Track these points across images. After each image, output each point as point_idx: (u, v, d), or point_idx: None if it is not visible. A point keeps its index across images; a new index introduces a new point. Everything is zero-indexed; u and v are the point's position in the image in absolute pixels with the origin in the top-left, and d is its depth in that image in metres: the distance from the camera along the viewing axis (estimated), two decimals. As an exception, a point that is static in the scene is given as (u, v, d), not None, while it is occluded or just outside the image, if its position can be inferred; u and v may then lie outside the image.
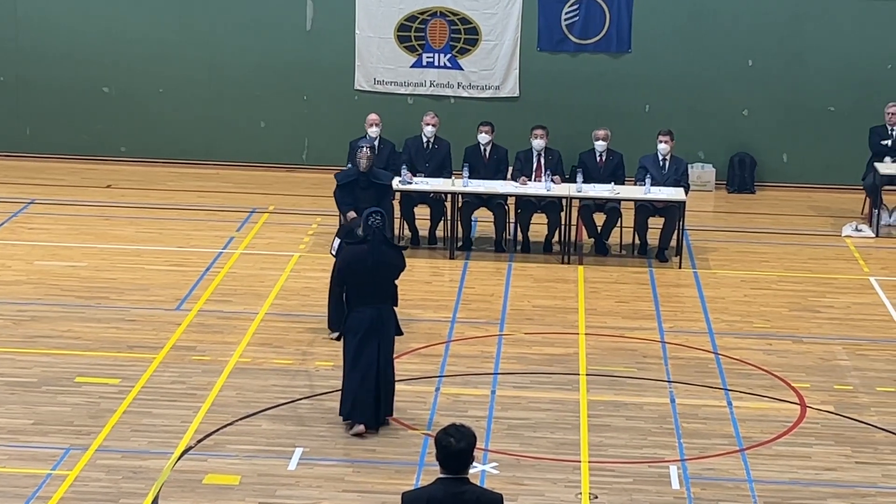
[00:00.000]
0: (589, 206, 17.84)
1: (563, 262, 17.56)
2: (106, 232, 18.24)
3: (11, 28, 21.55)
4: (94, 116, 21.76)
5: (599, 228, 17.90)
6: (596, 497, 11.34)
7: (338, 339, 13.82)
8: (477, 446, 7.76)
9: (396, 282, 12.51)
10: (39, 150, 21.81)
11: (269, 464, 11.72)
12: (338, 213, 17.31)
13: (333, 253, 14.16)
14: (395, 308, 12.48)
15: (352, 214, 14.66)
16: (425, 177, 17.93)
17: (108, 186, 20.53)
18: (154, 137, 21.78)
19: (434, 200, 17.97)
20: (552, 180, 17.68)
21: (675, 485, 11.60)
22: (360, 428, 12.26)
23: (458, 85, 21.45)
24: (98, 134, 21.80)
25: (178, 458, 11.77)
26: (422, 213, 17.99)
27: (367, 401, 12.24)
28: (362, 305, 12.25)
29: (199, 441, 12.12)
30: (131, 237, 18.06)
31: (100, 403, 12.80)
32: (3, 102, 21.79)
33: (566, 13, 21.22)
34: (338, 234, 14.52)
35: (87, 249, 17.43)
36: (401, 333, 12.60)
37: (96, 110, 21.74)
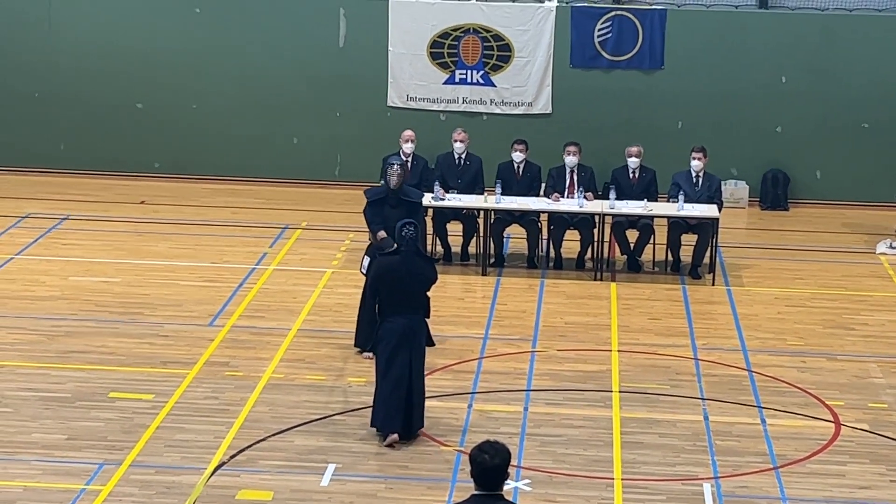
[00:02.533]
0: (622, 223, 17.81)
1: (595, 279, 17.53)
2: (140, 248, 18.30)
3: (46, 45, 21.67)
4: (127, 132, 21.85)
5: (632, 245, 17.86)
6: (629, 514, 11.31)
7: (370, 355, 13.90)
8: (510, 463, 7.74)
9: (429, 293, 12.53)
10: (73, 165, 21.90)
11: (302, 479, 11.72)
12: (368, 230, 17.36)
13: (363, 271, 14.19)
14: (427, 319, 12.50)
15: (382, 234, 14.63)
16: (457, 193, 17.94)
17: (142, 202, 20.60)
18: (187, 153, 21.87)
19: (466, 217, 17.97)
20: (585, 197, 17.66)
21: (709, 503, 11.55)
22: (394, 437, 12.27)
23: (491, 101, 21.47)
24: (132, 150, 21.89)
25: (212, 474, 11.79)
26: (454, 229, 18.00)
27: (399, 410, 12.26)
28: (394, 316, 12.30)
29: (233, 456, 12.13)
30: (165, 253, 18.12)
31: (133, 419, 12.84)
32: (38, 118, 21.90)
33: (599, 30, 21.22)
34: (367, 253, 14.55)
35: (120, 265, 17.49)
36: (432, 344, 12.65)
37: (130, 126, 21.83)
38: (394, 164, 14.97)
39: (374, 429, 12.48)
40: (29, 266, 17.38)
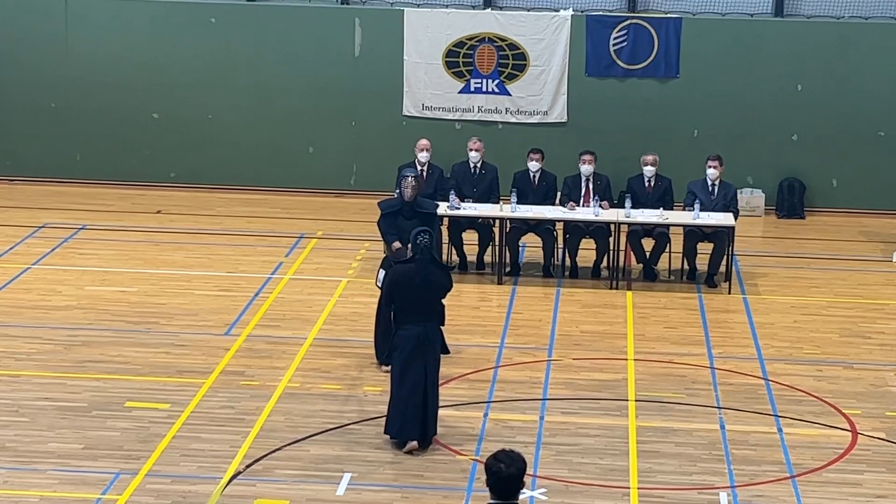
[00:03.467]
0: (637, 232, 17.79)
1: (611, 288, 17.52)
2: (156, 257, 18.33)
3: (62, 57, 21.73)
4: (143, 143, 21.91)
5: (648, 254, 17.85)
6: (645, 524, 11.29)
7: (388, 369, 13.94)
8: (526, 472, 7.73)
9: (444, 301, 12.55)
10: (90, 176, 21.96)
11: (318, 489, 11.72)
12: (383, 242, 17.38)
13: (379, 284, 14.20)
14: (441, 327, 12.52)
15: (397, 245, 14.64)
16: (473, 202, 17.94)
17: (158, 212, 20.64)
18: (203, 163, 21.91)
19: (482, 226, 17.97)
20: (600, 206, 17.66)
21: (725, 512, 11.54)
22: (413, 444, 12.28)
23: (506, 110, 21.47)
24: (148, 160, 21.94)
25: (227, 483, 11.79)
26: (470, 238, 18.00)
27: (416, 417, 12.28)
28: (409, 323, 12.32)
29: (248, 466, 12.14)
30: (181, 262, 18.15)
31: (149, 428, 12.85)
32: (54, 129, 21.96)
33: (614, 38, 21.22)
34: (382, 266, 14.55)
35: (136, 275, 17.53)
36: (447, 352, 12.67)
37: (146, 137, 21.89)
38: (407, 175, 14.94)
39: (389, 437, 12.48)
40: (45, 276, 17.42)
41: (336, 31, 21.51)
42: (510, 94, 21.43)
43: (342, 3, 21.67)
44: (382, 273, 14.23)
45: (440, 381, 12.70)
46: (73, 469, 12.00)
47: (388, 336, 13.15)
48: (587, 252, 17.91)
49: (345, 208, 21.03)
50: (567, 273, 17.90)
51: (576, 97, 21.36)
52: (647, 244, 17.85)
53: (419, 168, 18.13)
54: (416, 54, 21.43)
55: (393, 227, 14.85)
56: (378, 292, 14.09)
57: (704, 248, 17.71)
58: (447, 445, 12.58)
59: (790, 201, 21.24)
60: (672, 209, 17.96)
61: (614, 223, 17.58)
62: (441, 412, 13.19)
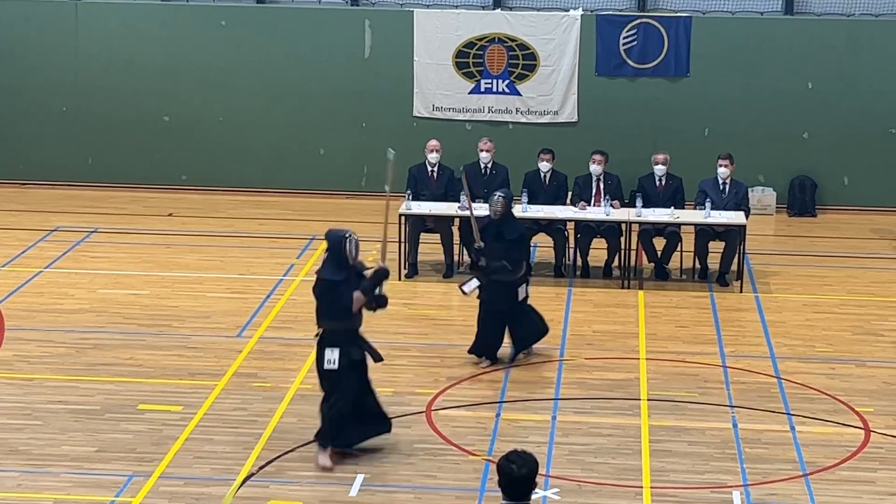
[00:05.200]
0: (648, 231, 17.79)
1: (623, 287, 17.51)
2: (167, 260, 18.36)
3: (72, 60, 21.77)
4: (154, 145, 21.95)
5: (659, 253, 17.84)
6: (658, 523, 11.29)
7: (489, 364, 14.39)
8: (539, 472, 7.73)
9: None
10: (101, 179, 22.01)
11: (331, 490, 11.73)
12: (397, 242, 17.44)
13: (466, 290, 14.61)
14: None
15: (479, 243, 14.74)
16: (484, 202, 17.91)
17: (170, 214, 20.67)
18: (214, 166, 21.94)
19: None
20: (611, 205, 17.65)
21: (739, 510, 11.53)
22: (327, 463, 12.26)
23: (517, 111, 21.48)
24: (159, 162, 21.98)
25: (241, 485, 11.80)
26: (481, 238, 17.99)
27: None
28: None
29: (261, 468, 12.15)
30: (193, 265, 18.17)
31: (162, 430, 12.87)
32: (66, 133, 22.01)
33: (624, 38, 21.21)
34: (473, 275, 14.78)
35: (148, 277, 17.55)
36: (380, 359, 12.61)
37: (157, 139, 21.93)
38: (495, 194, 14.94)
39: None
40: (57, 279, 17.45)
41: (346, 33, 21.53)
42: (520, 95, 21.43)
43: (352, 5, 21.70)
44: (475, 283, 14.59)
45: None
46: (86, 472, 12.02)
47: (487, 333, 14.13)
48: (598, 252, 17.91)
49: (356, 210, 21.03)
50: (578, 273, 17.89)
51: (586, 97, 21.35)
52: (659, 243, 17.84)
53: (429, 169, 18.16)
54: (427, 55, 21.44)
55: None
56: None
57: (716, 247, 17.70)
58: (460, 446, 12.59)
59: (801, 199, 21.22)
60: (683, 208, 17.95)
61: (625, 222, 17.58)
62: (454, 412, 13.25)
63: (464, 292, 14.85)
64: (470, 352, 14.66)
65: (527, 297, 14.73)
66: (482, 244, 14.68)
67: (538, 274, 17.86)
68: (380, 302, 12.39)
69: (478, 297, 14.67)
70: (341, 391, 12.20)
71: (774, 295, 17.27)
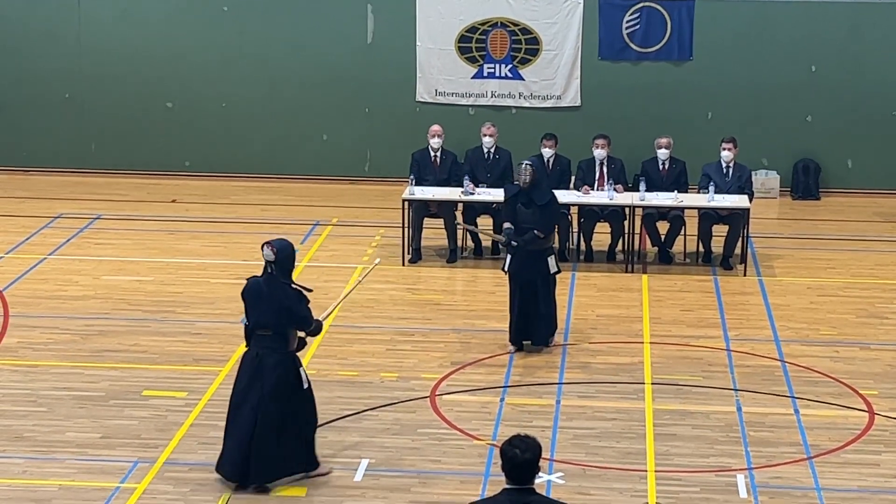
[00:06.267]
0: (652, 215, 17.78)
1: (626, 271, 17.51)
2: (171, 246, 18.37)
3: (75, 46, 21.77)
4: (157, 132, 21.94)
5: (663, 237, 17.84)
6: (663, 506, 11.30)
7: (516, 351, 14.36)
8: (542, 456, 7.74)
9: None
10: (104, 165, 22.01)
11: (336, 475, 11.74)
12: (400, 228, 17.46)
13: (505, 269, 14.51)
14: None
15: (507, 224, 14.69)
16: (487, 187, 17.94)
17: (173, 201, 20.68)
18: (218, 152, 21.94)
19: (496, 211, 17.95)
20: (615, 189, 17.64)
21: (743, 494, 11.53)
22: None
23: (520, 95, 21.46)
24: (162, 149, 21.98)
25: (245, 471, 11.80)
26: (484, 223, 17.99)
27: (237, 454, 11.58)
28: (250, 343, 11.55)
29: (266, 453, 12.14)
30: (196, 251, 18.18)
31: (167, 416, 12.89)
32: (69, 120, 22.01)
33: (627, 22, 21.19)
34: (508, 251, 14.63)
35: (152, 264, 17.56)
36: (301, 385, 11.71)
37: (160, 126, 21.93)
38: (522, 163, 14.80)
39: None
40: (61, 266, 17.47)
41: (348, 18, 21.51)
42: (523, 79, 21.42)
43: (354, -10, 21.68)
44: (509, 258, 14.49)
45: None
46: (91, 458, 12.04)
47: (520, 319, 14.19)
48: (602, 236, 17.91)
49: (359, 195, 21.04)
50: (582, 257, 17.90)
51: (589, 81, 21.33)
52: (662, 227, 17.84)
53: (432, 154, 18.16)
54: (429, 40, 21.42)
55: (511, 212, 14.76)
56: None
57: (719, 231, 17.69)
58: (464, 430, 12.60)
59: (805, 183, 21.21)
60: (687, 192, 17.93)
61: (629, 207, 17.57)
62: (458, 397, 13.26)
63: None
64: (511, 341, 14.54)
65: (558, 270, 14.61)
66: (514, 243, 14.44)
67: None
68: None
69: (505, 271, 14.56)
70: (313, 409, 11.71)
71: (778, 278, 17.27)
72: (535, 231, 14.35)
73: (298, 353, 11.54)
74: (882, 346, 14.92)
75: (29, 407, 13.10)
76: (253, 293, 11.47)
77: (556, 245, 14.71)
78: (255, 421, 11.26)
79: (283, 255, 11.49)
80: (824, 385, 13.83)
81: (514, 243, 14.41)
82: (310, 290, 11.54)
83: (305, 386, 11.49)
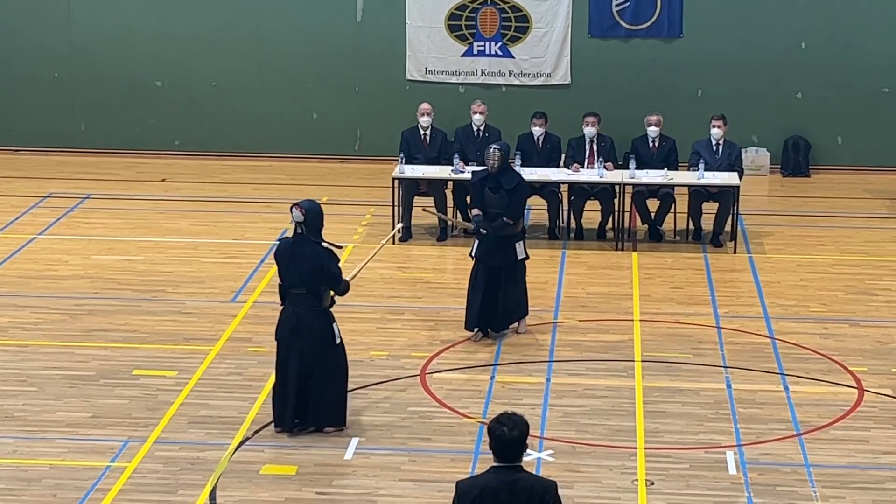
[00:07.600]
0: (642, 193, 17.79)
1: (616, 249, 17.52)
2: (161, 225, 18.36)
3: (65, 25, 21.70)
4: (147, 111, 21.90)
5: (653, 214, 17.84)
6: (652, 483, 11.32)
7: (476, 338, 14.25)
8: (532, 434, 7.77)
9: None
10: (94, 145, 21.97)
11: (326, 454, 11.77)
12: (390, 206, 17.45)
13: (472, 255, 14.33)
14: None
15: (476, 211, 14.50)
16: (477, 165, 17.91)
17: (163, 180, 20.65)
18: (207, 131, 21.90)
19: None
20: (605, 167, 17.64)
21: (732, 470, 11.56)
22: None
23: (510, 73, 21.43)
24: (152, 128, 21.94)
25: (236, 449, 11.84)
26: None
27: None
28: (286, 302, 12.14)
29: (256, 432, 12.18)
30: (187, 230, 18.17)
31: (157, 396, 12.90)
32: (58, 99, 21.95)
33: (617, -1, 21.16)
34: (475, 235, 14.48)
35: (142, 243, 17.55)
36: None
37: (150, 105, 21.88)
38: (491, 147, 14.59)
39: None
40: (51, 245, 17.45)
41: (338, -4, 21.46)
42: (513, 57, 21.39)
43: (344, -32, 21.62)
44: (477, 243, 14.28)
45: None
46: (81, 437, 12.05)
47: (483, 305, 13.94)
48: (592, 214, 17.91)
49: (349, 174, 21.03)
50: (572, 235, 17.91)
51: (579, 59, 21.31)
52: (652, 205, 17.84)
53: (422, 132, 18.15)
54: (419, 18, 21.38)
55: (479, 197, 14.62)
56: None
57: (709, 208, 17.69)
58: (454, 408, 12.62)
59: (795, 160, 21.21)
60: (677, 169, 17.93)
61: (619, 184, 17.57)
62: (448, 375, 13.27)
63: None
64: (466, 328, 14.39)
65: (526, 256, 14.43)
66: (484, 231, 14.32)
67: (532, 236, 17.83)
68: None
69: (472, 256, 14.37)
70: (345, 364, 12.21)
71: (768, 255, 17.29)
72: (505, 218, 14.20)
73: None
74: (871, 323, 14.95)
75: (19, 386, 13.11)
76: (285, 255, 12.06)
77: (525, 231, 14.56)
78: (302, 372, 11.93)
79: (311, 215, 12.12)
80: (814, 362, 13.86)
81: (483, 231, 14.27)
82: (340, 248, 12.22)
83: (338, 341, 12.05)
